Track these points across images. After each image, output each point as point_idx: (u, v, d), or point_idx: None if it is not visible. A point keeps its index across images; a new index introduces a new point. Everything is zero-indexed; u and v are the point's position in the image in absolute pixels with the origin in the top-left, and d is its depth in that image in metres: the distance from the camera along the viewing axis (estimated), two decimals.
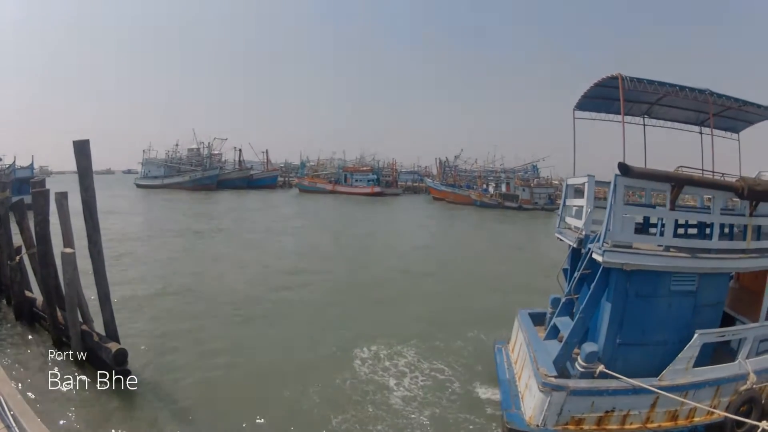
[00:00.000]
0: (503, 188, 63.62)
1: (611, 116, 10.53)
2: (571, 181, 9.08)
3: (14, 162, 46.03)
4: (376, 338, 11.69)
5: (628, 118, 9.22)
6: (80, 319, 9.60)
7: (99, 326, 9.96)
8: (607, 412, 6.68)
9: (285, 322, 13.25)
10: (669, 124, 10.94)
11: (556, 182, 66.98)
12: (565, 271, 9.27)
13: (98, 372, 9.26)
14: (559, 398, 6.62)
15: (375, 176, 77.35)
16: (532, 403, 7.08)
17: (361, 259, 23.08)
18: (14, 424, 4.80)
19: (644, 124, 10.82)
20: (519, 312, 10.04)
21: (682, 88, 8.12)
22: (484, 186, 67.96)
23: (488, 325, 12.40)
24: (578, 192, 9.00)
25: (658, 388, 6.54)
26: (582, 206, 8.19)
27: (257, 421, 8.08)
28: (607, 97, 9.60)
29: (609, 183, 7.52)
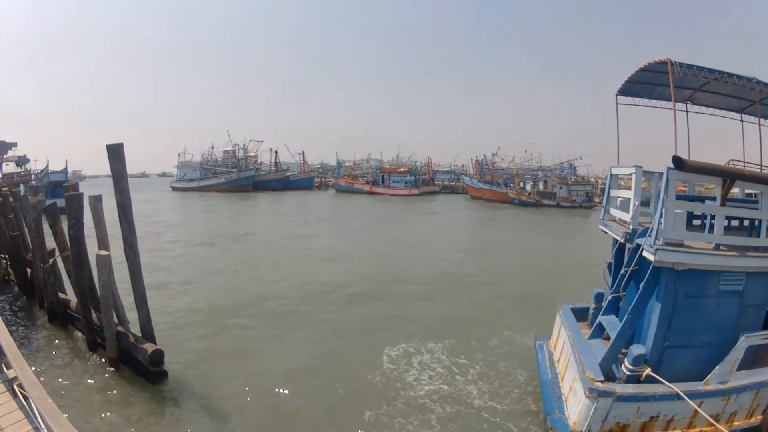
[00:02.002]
0: (540, 186, 63.68)
1: (653, 102, 10.33)
2: (615, 171, 8.99)
3: (47, 166, 47.80)
4: (416, 336, 11.94)
5: (669, 104, 9.05)
6: (115, 321, 10.04)
7: (134, 328, 10.34)
8: (651, 417, 6.71)
9: (320, 321, 13.59)
10: (710, 110, 10.77)
11: (593, 180, 66.56)
12: (609, 265, 9.20)
13: (133, 373, 9.65)
14: (605, 404, 6.65)
15: (413, 177, 78.95)
16: (576, 408, 7.12)
17: (399, 259, 23.37)
18: (45, 429, 4.93)
19: (687, 111, 10.60)
20: (560, 306, 9.95)
21: (730, 75, 8.04)
22: (522, 184, 67.79)
23: (529, 321, 12.48)
24: (622, 182, 8.85)
25: (703, 393, 6.56)
26: (627, 198, 8.07)
27: (289, 418, 8.39)
28: (650, 82, 9.45)
29: (654, 173, 7.29)
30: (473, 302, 15.27)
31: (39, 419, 5.16)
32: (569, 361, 8.02)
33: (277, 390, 9.33)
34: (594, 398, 6.65)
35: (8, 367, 6.24)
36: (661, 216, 6.68)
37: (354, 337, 12.19)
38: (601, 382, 6.87)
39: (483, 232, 36.86)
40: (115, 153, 9.43)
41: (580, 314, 9.75)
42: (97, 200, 10.23)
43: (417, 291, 16.91)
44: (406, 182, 78.05)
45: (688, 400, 6.34)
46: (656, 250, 6.51)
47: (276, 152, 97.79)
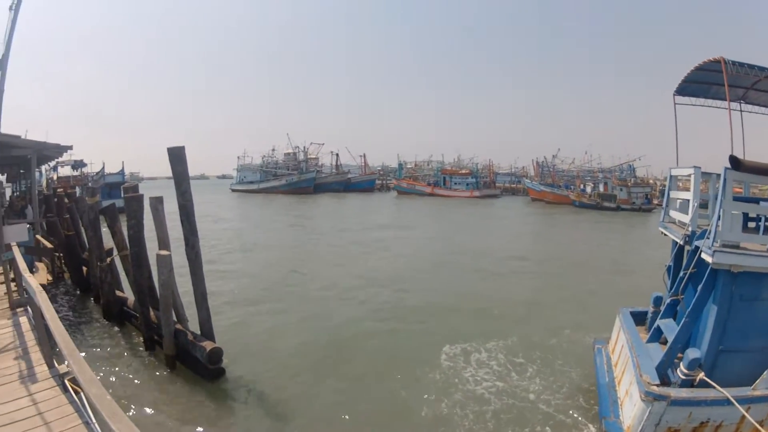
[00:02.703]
0: (600, 188, 63.05)
1: (709, 102, 10.30)
2: (675, 172, 9.01)
3: (102, 168, 49.79)
4: (475, 336, 12.16)
5: (724, 104, 9.01)
6: (174, 319, 10.49)
7: (193, 326, 10.82)
8: (702, 423, 6.76)
9: (382, 320, 14.02)
10: (763, 110, 10.67)
11: (652, 181, 65.62)
12: (668, 268, 9.24)
13: (189, 371, 10.03)
14: (659, 408, 6.74)
15: (474, 179, 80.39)
16: (631, 411, 7.22)
17: (462, 259, 23.78)
18: (97, 428, 5.09)
19: (741, 110, 10.50)
20: (620, 311, 9.98)
21: None
22: (582, 186, 67.41)
23: (588, 324, 12.61)
24: (681, 184, 8.85)
25: (751, 399, 6.57)
26: (686, 200, 8.09)
27: (346, 413, 8.68)
28: (705, 81, 9.44)
29: (712, 174, 7.31)
30: (534, 303, 15.55)
31: (90, 414, 5.36)
32: (626, 365, 8.09)
33: (335, 386, 9.70)
34: (649, 402, 6.74)
35: (59, 361, 6.48)
36: (718, 217, 6.72)
37: (413, 336, 12.56)
38: (657, 385, 6.94)
39: (545, 235, 37.11)
40: (177, 156, 10.01)
41: (640, 318, 9.80)
42: (158, 202, 10.76)
43: (479, 291, 17.32)
44: (467, 184, 79.52)
45: (737, 405, 6.38)
46: (714, 251, 6.57)
47: (337, 155, 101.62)
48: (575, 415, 8.52)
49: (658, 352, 7.81)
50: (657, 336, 8.48)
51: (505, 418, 8.41)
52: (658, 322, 8.52)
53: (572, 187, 68.93)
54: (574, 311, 14.29)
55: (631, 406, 7.27)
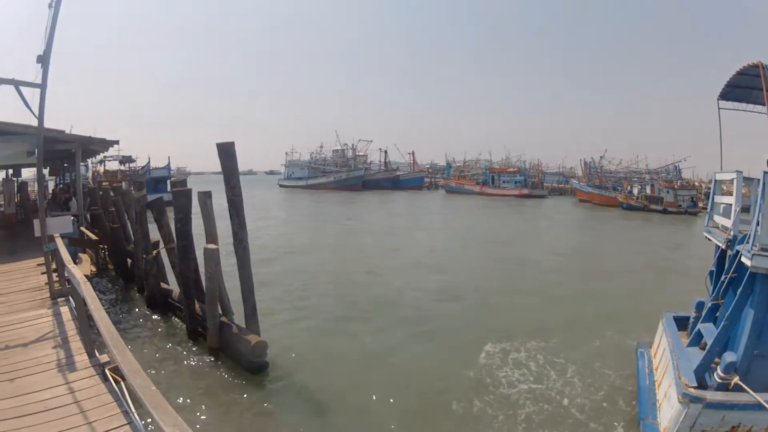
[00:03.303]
0: (648, 190, 61.96)
1: (750, 106, 10.34)
2: (719, 176, 9.11)
3: (148, 163, 51.44)
4: (517, 335, 12.33)
5: (764, 108, 9.04)
6: (219, 311, 10.87)
7: (238, 319, 11.18)
8: (733, 427, 6.83)
9: (425, 317, 14.28)
10: None
11: (698, 183, 64.37)
12: (711, 273, 9.36)
13: (232, 363, 10.35)
14: (695, 411, 6.86)
15: (522, 178, 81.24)
16: (669, 413, 7.35)
17: (510, 259, 24.12)
18: (136, 417, 5.28)
19: None
20: (664, 315, 10.13)
21: None
22: (629, 188, 66.60)
23: (632, 327, 12.65)
24: (725, 188, 8.94)
25: None
26: (730, 204, 8.19)
27: (382, 407, 8.97)
28: (747, 86, 9.50)
29: (753, 179, 7.42)
30: (579, 304, 15.68)
31: (129, 403, 5.54)
32: (667, 368, 8.22)
33: (373, 380, 10.01)
34: (686, 404, 6.88)
35: (100, 351, 6.71)
36: (758, 222, 6.84)
37: (454, 335, 12.79)
38: (694, 388, 7.07)
39: (592, 236, 36.93)
40: (226, 151, 10.45)
41: (683, 323, 9.90)
42: (206, 196, 11.19)
43: (526, 290, 17.57)
44: (516, 182, 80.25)
45: None
46: (752, 255, 6.71)
47: (386, 152, 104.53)
48: (613, 417, 8.66)
49: (697, 355, 7.95)
50: (697, 340, 8.63)
51: (537, 420, 8.57)
52: (699, 326, 8.66)
53: (619, 188, 68.25)
54: (619, 314, 14.34)
55: (668, 408, 7.40)
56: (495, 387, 9.72)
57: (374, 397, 9.29)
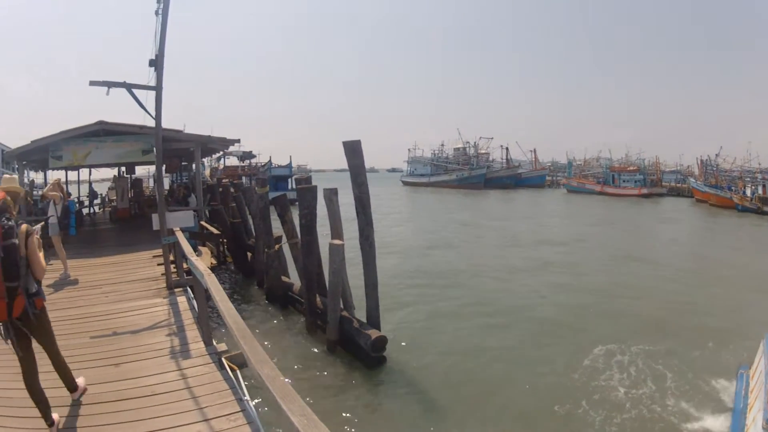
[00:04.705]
0: (760, 190, 57.28)
1: None
2: None
3: (269, 161, 54.42)
4: (625, 338, 12.00)
5: None
6: (341, 306, 11.24)
7: (359, 315, 11.55)
8: None
9: (534, 319, 14.11)
10: None
11: None
12: None
13: (350, 356, 10.68)
14: None
15: (642, 177, 78.57)
16: None
17: (627, 262, 23.31)
18: (250, 405, 5.44)
19: None
20: (765, 336, 9.45)
21: None
22: (743, 188, 62.18)
23: (737, 344, 11.78)
24: None
25: None
26: None
27: (496, 412, 8.92)
28: None
29: None
30: (685, 311, 14.87)
31: (245, 391, 5.72)
32: (759, 393, 7.76)
33: (485, 378, 10.08)
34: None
35: (218, 341, 7.04)
36: None
37: (570, 334, 12.66)
38: None
39: (708, 240, 34.24)
40: (353, 149, 10.81)
41: None
42: (332, 193, 11.58)
43: (640, 294, 16.92)
44: (635, 182, 77.57)
45: None
46: None
47: (507, 149, 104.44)
48: None
49: None
50: None
51: (630, 427, 8.37)
52: None
53: (733, 188, 63.26)
54: (724, 327, 13.31)
55: None
56: (596, 390, 9.55)
57: (486, 397, 9.32)
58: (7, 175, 5.81)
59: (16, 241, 4.70)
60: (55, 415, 5.02)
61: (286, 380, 3.38)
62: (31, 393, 4.96)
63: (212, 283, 6.02)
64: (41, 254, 5.08)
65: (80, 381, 5.69)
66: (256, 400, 6.85)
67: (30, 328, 4.97)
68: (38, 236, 5.22)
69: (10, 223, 4.74)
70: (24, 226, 4.91)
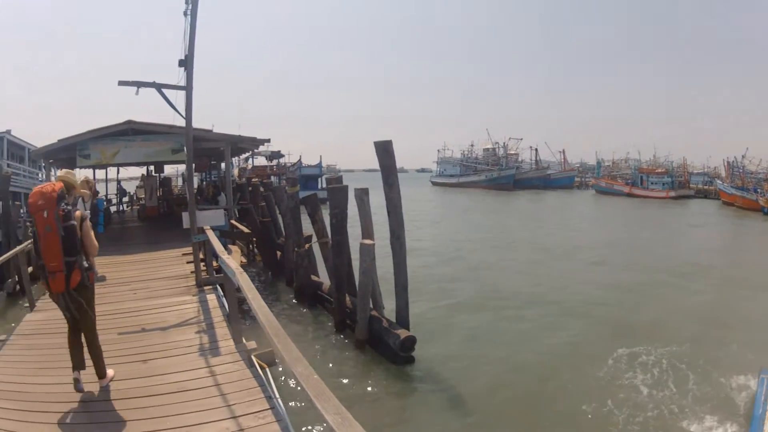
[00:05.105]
0: None
1: None
2: None
3: (299, 160, 55.09)
4: (650, 338, 11.86)
5: None
6: (370, 306, 11.29)
7: (388, 314, 11.56)
8: None
9: (565, 318, 14.05)
10: None
11: None
12: None
13: (378, 355, 10.69)
14: None
15: (670, 179, 77.90)
16: None
17: (656, 267, 22.71)
18: (280, 403, 5.44)
19: None
20: None
21: None
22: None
23: (758, 346, 11.59)
24: None
25: None
26: None
27: (522, 410, 8.93)
28: None
29: None
30: (711, 313, 14.69)
31: (274, 389, 5.77)
32: None
33: (514, 380, 9.98)
34: None
35: (247, 339, 7.00)
36: None
37: (594, 335, 12.60)
38: None
39: (735, 245, 33.80)
40: (384, 149, 10.88)
41: None
42: (363, 193, 11.59)
43: (666, 297, 16.72)
44: (663, 184, 76.88)
45: None
46: None
47: (536, 150, 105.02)
48: None
49: None
50: None
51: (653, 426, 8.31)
52: None
53: (759, 190, 61.67)
54: (749, 330, 13.03)
55: None
56: (619, 389, 9.50)
57: (518, 397, 9.30)
58: (65, 170, 6.22)
59: (75, 223, 5.36)
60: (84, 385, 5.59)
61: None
62: (71, 346, 5.64)
63: (244, 281, 6.03)
64: (92, 234, 5.75)
65: (109, 372, 5.93)
66: (285, 400, 6.84)
67: (85, 297, 5.54)
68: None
69: (68, 207, 5.40)
70: (78, 212, 5.55)
